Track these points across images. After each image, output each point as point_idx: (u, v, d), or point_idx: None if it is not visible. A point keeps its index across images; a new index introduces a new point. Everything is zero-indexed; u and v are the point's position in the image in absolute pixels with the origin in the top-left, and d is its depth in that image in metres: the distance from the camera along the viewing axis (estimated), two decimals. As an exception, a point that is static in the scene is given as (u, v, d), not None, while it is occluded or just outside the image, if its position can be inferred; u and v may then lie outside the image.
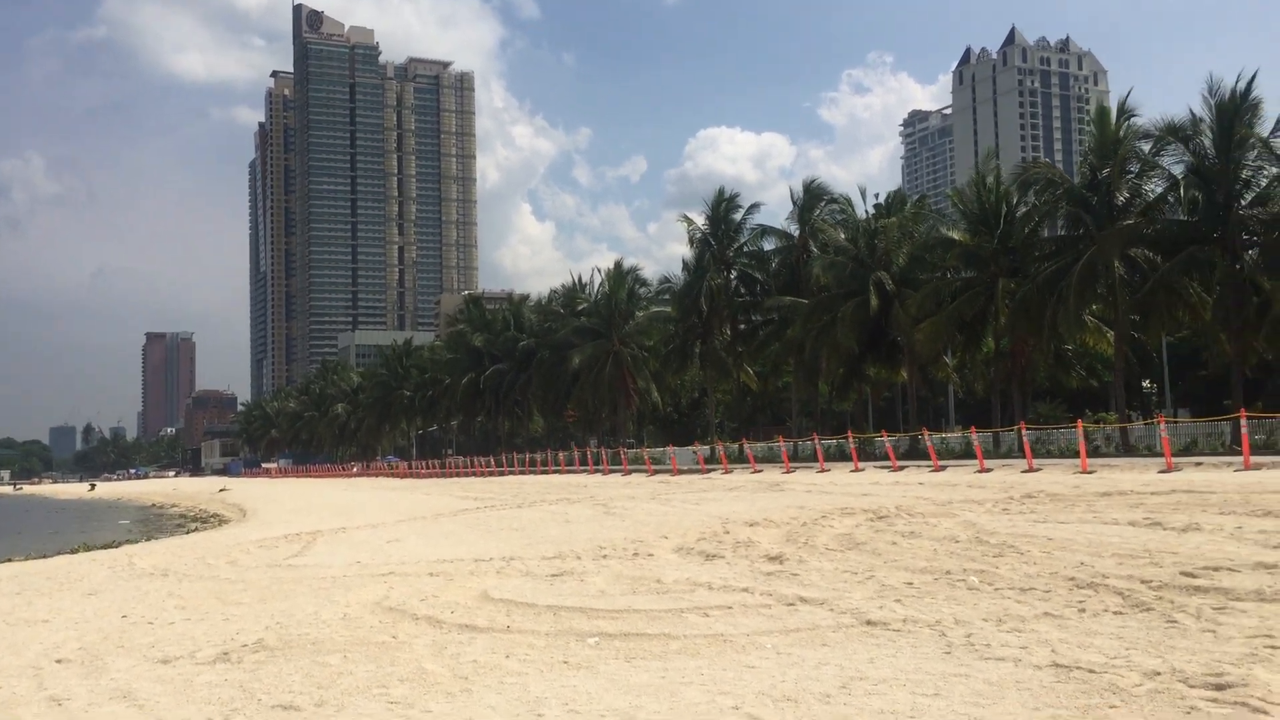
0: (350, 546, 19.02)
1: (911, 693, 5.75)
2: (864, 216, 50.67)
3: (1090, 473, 22.82)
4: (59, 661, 8.80)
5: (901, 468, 31.22)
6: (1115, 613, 7.53)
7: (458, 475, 65.58)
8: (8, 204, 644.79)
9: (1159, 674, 5.67)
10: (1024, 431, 29.25)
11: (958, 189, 45.74)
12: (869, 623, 7.76)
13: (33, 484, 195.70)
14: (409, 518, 26.21)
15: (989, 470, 26.63)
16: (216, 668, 8.05)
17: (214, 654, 8.50)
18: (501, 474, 59.71)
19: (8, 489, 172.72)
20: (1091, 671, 5.83)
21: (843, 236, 49.60)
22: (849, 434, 40.20)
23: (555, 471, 55.22)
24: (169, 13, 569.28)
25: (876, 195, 53.40)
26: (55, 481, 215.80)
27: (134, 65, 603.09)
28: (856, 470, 32.11)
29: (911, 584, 9.32)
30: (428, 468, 79.60)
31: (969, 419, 66.08)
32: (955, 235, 43.33)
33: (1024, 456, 28.51)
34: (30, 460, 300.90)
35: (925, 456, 35.88)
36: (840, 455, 40.76)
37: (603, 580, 11.29)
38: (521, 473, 58.45)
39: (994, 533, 12.32)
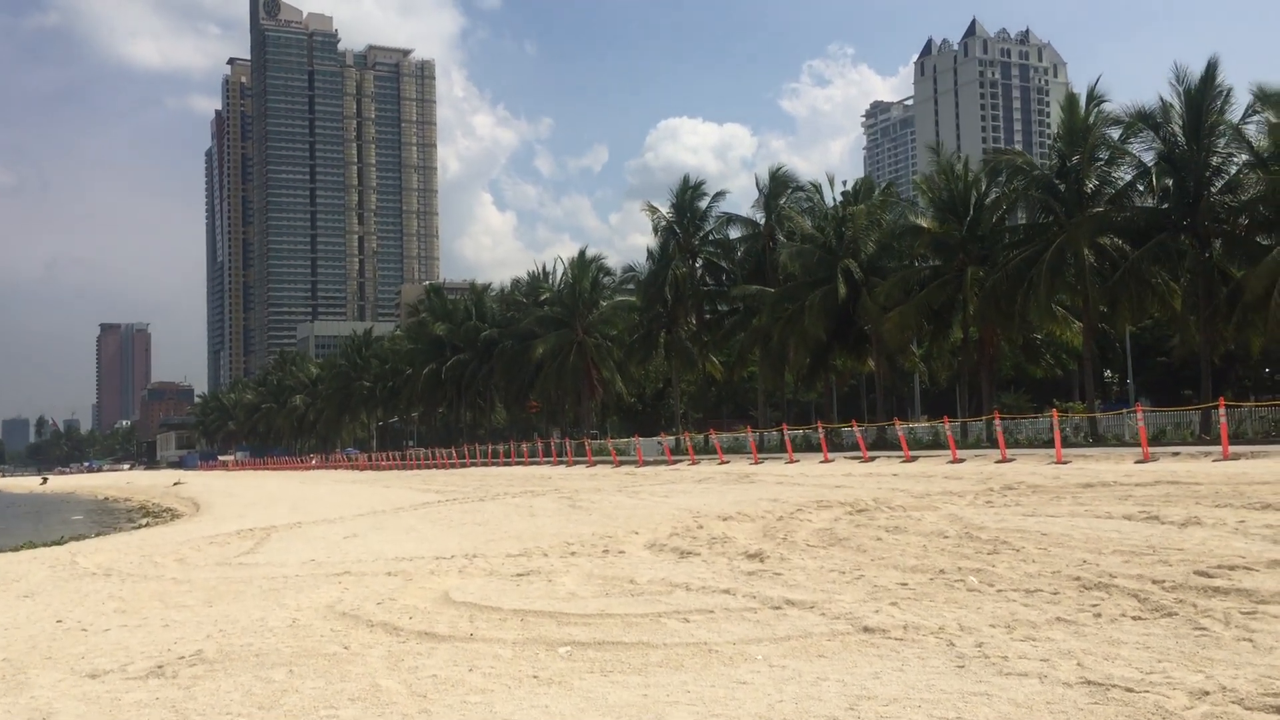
0: (306, 543, 18.21)
1: (929, 715, 5.10)
2: (832, 205, 50.21)
3: (1066, 463, 22.41)
4: (-25, 676, 7.98)
5: (872, 458, 30.76)
6: (1135, 618, 6.93)
7: (419, 467, 64.59)
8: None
9: (1207, 693, 5.05)
10: (998, 421, 28.83)
11: (926, 176, 45.31)
12: (866, 629, 7.11)
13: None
14: (368, 512, 25.37)
15: (962, 461, 26.19)
16: (149, 684, 7.27)
17: (147, 667, 7.72)
18: (464, 466, 58.84)
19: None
20: (1130, 690, 5.20)
21: (810, 224, 49.10)
22: (818, 424, 39.74)
23: (519, 463, 54.45)
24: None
25: (845, 183, 53.07)
26: (6, 475, 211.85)
27: (86, 52, 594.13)
28: (826, 461, 31.64)
29: (906, 584, 8.68)
30: (388, 460, 78.47)
31: (933, 408, 66.07)
32: (923, 223, 42.92)
33: (994, 446, 28.17)
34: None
35: (894, 447, 35.53)
36: (808, 446, 40.30)
37: (572, 580, 10.59)
38: (484, 464, 57.61)
39: (983, 527, 11.75)
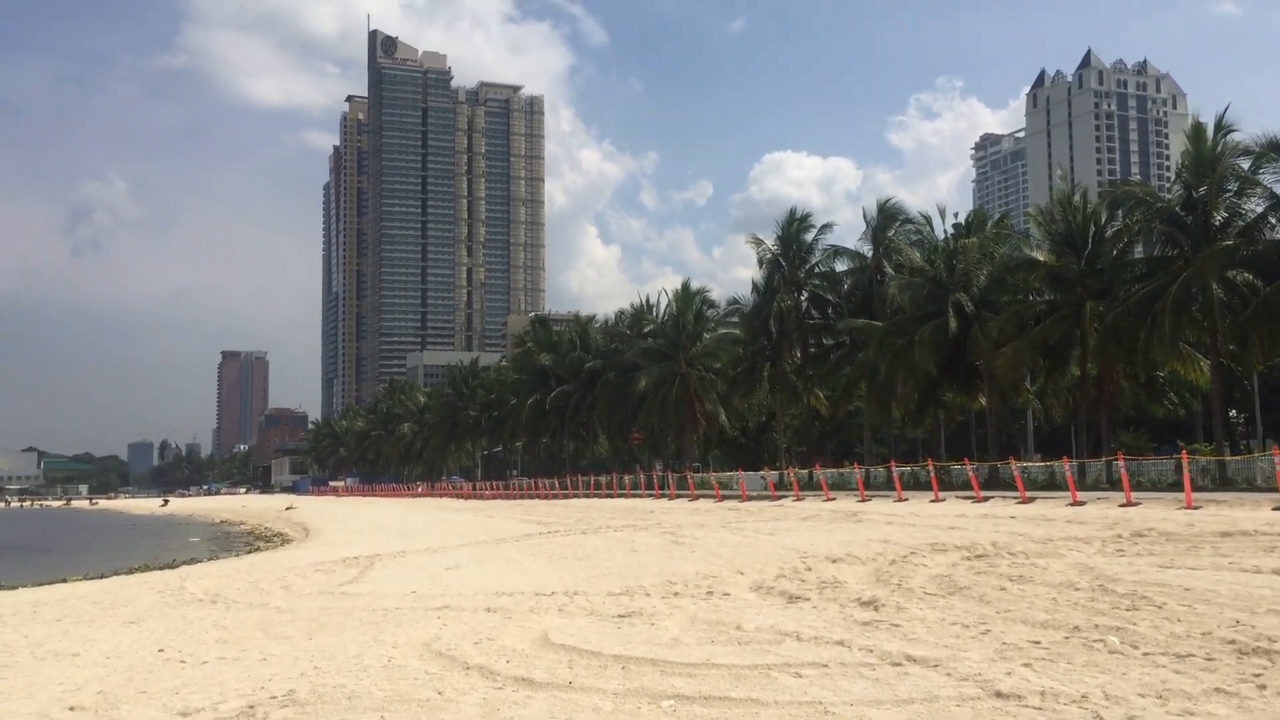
0: (408, 572, 18.11)
1: (1080, 802, 4.53)
2: (942, 237, 49.02)
3: (1197, 508, 21.16)
4: (71, 709, 7.88)
5: (985, 498, 29.65)
6: (1305, 691, 6.22)
7: (522, 497, 64.77)
8: (91, 226, 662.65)
9: None
10: (1121, 462, 27.49)
11: (1041, 208, 43.91)
12: (999, 694, 6.52)
13: (109, 499, 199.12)
14: (470, 542, 25.27)
15: (1083, 504, 24.98)
16: (239, 724, 7.05)
17: (239, 707, 7.51)
18: (566, 496, 58.78)
19: (84, 503, 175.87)
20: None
21: (919, 257, 48.00)
22: (929, 462, 38.57)
23: (620, 495, 54.13)
24: (246, 40, 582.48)
25: (955, 214, 51.77)
26: (131, 496, 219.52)
27: (212, 91, 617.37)
28: (937, 500, 30.58)
29: (1038, 642, 8.03)
30: (492, 489, 78.97)
31: (1046, 446, 63.85)
32: (1039, 256, 41.51)
33: (1115, 488, 26.88)
34: (108, 475, 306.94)
35: (1007, 486, 34.22)
36: (916, 484, 39.16)
37: (676, 624, 10.15)
38: (586, 495, 57.45)
39: (1117, 579, 10.95)
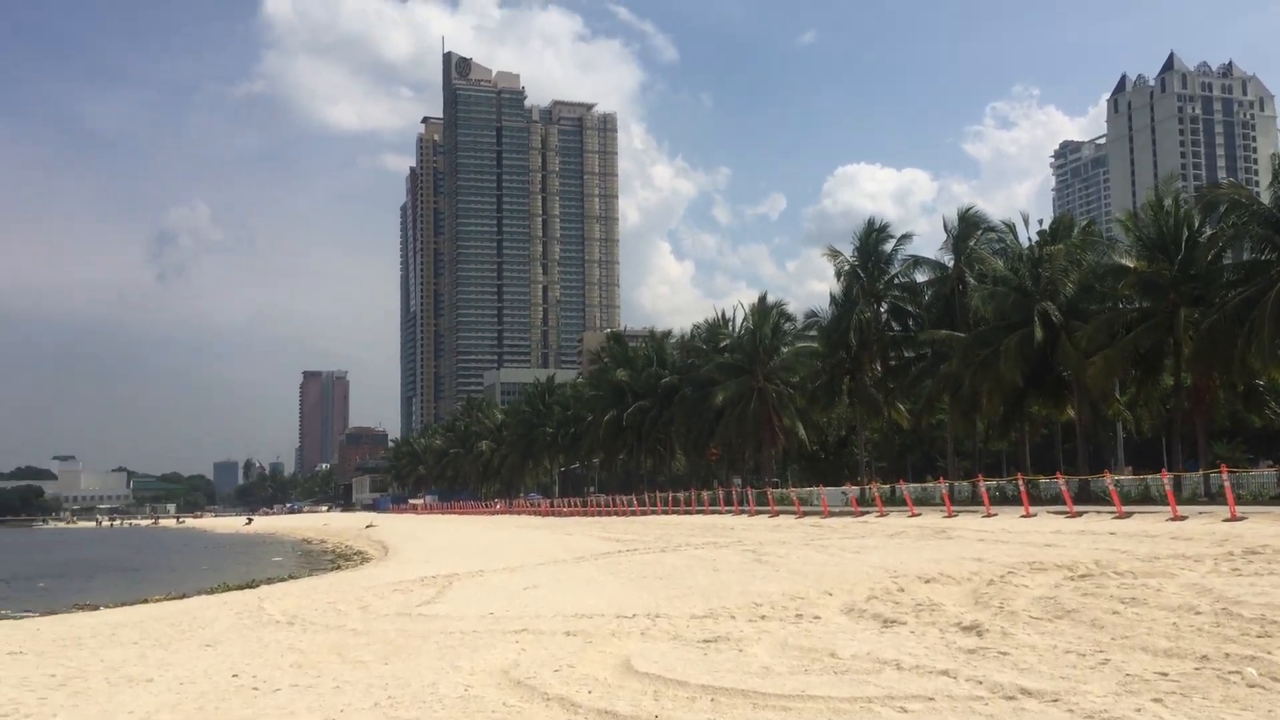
0: (485, 592, 17.81)
1: None
2: (1026, 245, 47.73)
3: (1311, 523, 20.04)
4: (139, 740, 7.62)
5: (1079, 513, 28.55)
6: None
7: (599, 514, 64.49)
8: (177, 250, 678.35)
9: None
10: (1225, 475, 26.27)
11: (1130, 213, 42.55)
12: (1130, 734, 5.91)
13: (195, 517, 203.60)
14: (548, 560, 24.95)
15: (1184, 518, 23.88)
16: (310, 758, 6.70)
17: (310, 739, 7.17)
18: (644, 513, 58.33)
19: (171, 522, 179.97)
20: None
21: (1003, 266, 46.80)
22: (1018, 476, 37.39)
23: (699, 511, 53.54)
24: (322, 67, 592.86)
25: (1040, 222, 50.40)
26: (216, 515, 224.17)
27: (290, 116, 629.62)
28: (1028, 516, 29.56)
29: (1166, 674, 7.37)
30: (569, 506, 78.84)
31: (1136, 458, 61.88)
32: (1128, 262, 40.16)
33: (1213, 501, 25.67)
34: (195, 494, 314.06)
35: (1099, 500, 33.00)
36: (1003, 498, 37.97)
37: (764, 650, 9.63)
38: (664, 512, 56.95)
39: (1240, 601, 10.18)
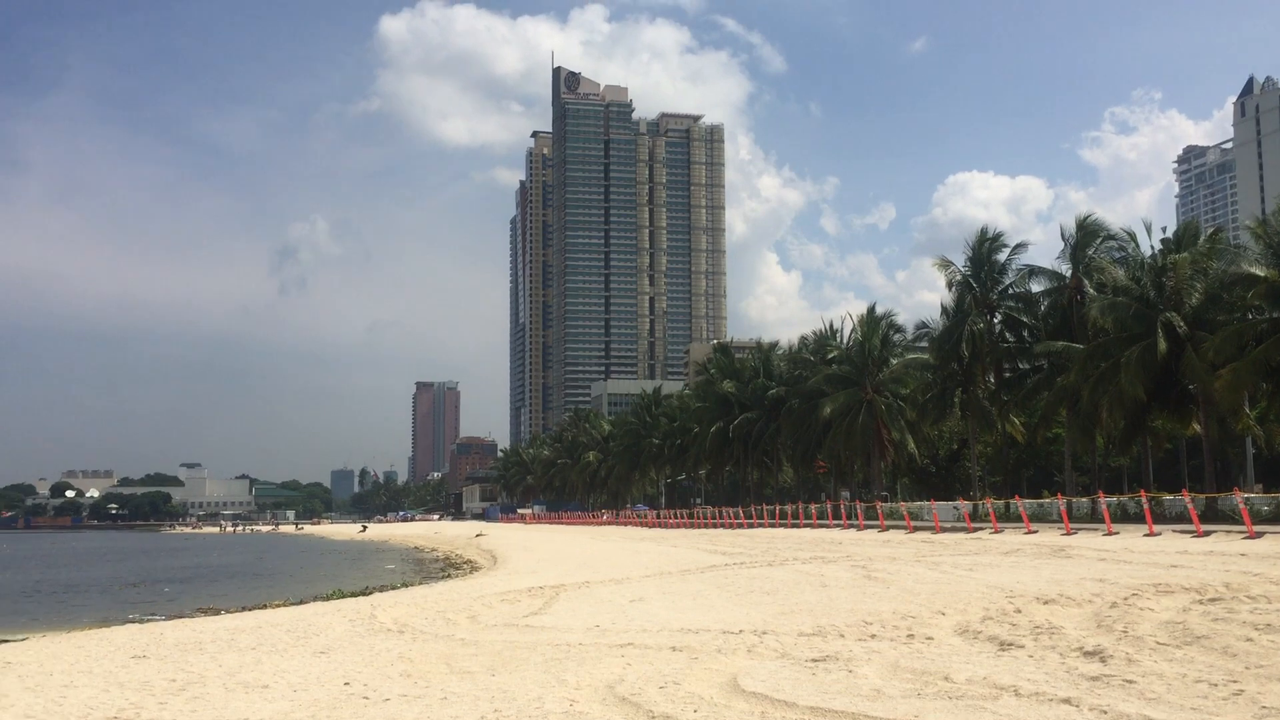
0: (592, 604, 17.81)
1: None
2: (1149, 254, 46.11)
3: None
4: (253, 747, 7.75)
5: (1206, 533, 27.36)
6: None
7: (705, 526, 64.25)
8: (297, 265, 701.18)
9: None
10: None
11: (1260, 220, 40.75)
12: (1270, 774, 5.56)
13: (313, 524, 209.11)
14: (655, 573, 24.86)
15: (1323, 540, 22.70)
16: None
17: (416, 751, 7.19)
18: (750, 526, 57.92)
19: (290, 528, 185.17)
20: None
21: (1124, 275, 45.29)
22: (1141, 493, 36.05)
23: (806, 525, 52.92)
24: (435, 84, 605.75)
25: (1164, 229, 48.64)
26: (333, 522, 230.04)
27: (405, 133, 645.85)
28: (1151, 534, 28.45)
29: (1309, 710, 6.96)
30: (676, 517, 78.75)
31: (1267, 476, 59.23)
32: (1259, 271, 38.47)
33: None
34: (313, 501, 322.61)
35: (1227, 519, 31.60)
36: (1124, 515, 36.62)
37: (875, 672, 9.38)
38: (770, 525, 56.46)
39: (1389, 632, 9.58)
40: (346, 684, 10.57)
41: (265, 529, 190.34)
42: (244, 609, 25.28)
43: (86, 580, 46.86)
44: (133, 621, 22.97)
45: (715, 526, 62.44)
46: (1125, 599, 13.24)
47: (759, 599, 17.01)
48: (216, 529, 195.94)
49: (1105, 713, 7.15)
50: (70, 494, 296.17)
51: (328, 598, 28.00)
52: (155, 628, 19.12)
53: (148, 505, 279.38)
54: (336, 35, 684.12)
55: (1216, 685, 7.82)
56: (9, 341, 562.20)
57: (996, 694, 8.00)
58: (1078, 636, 10.56)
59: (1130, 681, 8.11)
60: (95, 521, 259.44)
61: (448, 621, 16.39)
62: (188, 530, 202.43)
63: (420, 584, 32.28)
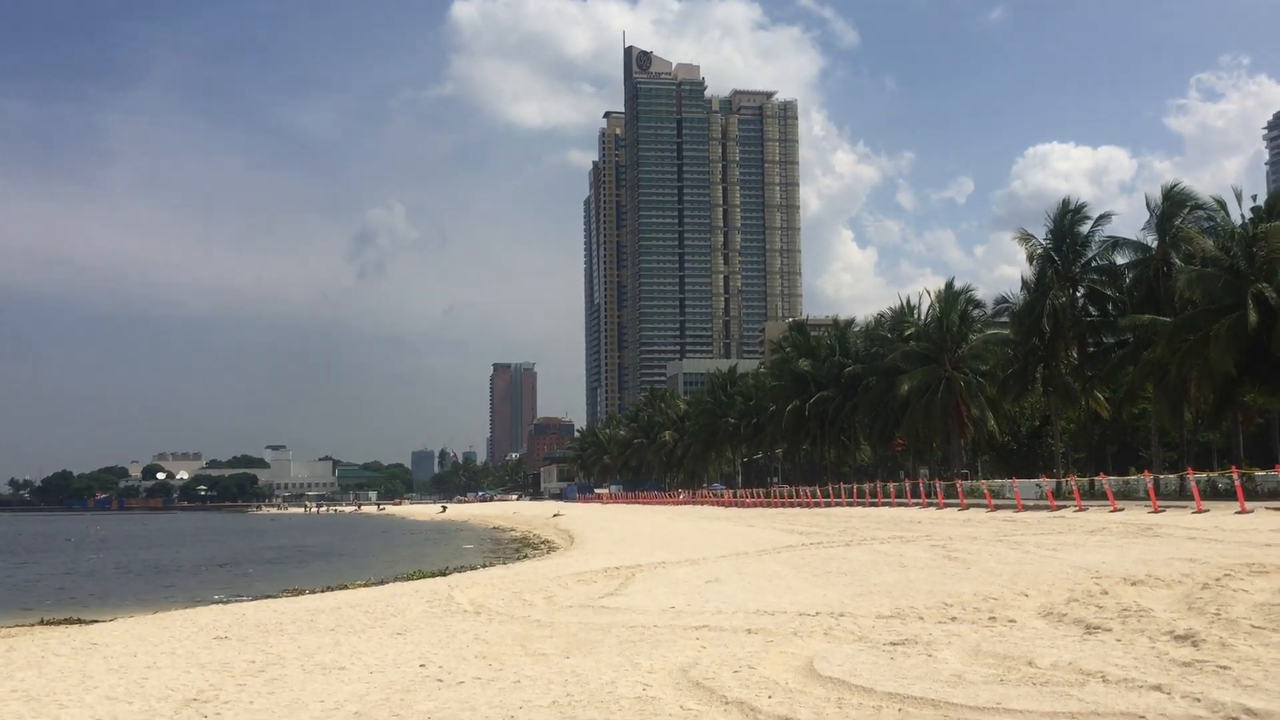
0: (667, 585, 17.75)
1: None
2: (1239, 222, 44.61)
3: None
4: (328, 730, 7.80)
5: (1303, 510, 26.45)
6: None
7: (782, 505, 63.90)
8: (375, 249, 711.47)
9: None
10: None
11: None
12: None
13: (394, 504, 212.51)
14: (730, 553, 24.73)
15: None
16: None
17: (489, 735, 7.17)
18: (827, 505, 57.48)
19: (372, 509, 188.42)
20: None
21: (1213, 246, 43.89)
22: (1233, 469, 34.95)
23: (884, 504, 52.35)
24: (507, 67, 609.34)
25: (1254, 197, 47.06)
26: (414, 502, 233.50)
27: (478, 117, 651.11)
28: (1243, 512, 27.55)
29: None
30: (752, 496, 78.46)
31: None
32: (1358, 238, 37.05)
33: None
34: (394, 482, 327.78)
35: (1324, 497, 30.58)
36: (1214, 492, 35.55)
37: (955, 656, 9.15)
38: (848, 504, 55.98)
39: None
40: (422, 666, 10.62)
41: (348, 509, 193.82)
42: (326, 589, 25.68)
43: (175, 561, 48.06)
44: (218, 603, 23.47)
45: (792, 506, 62.08)
46: (1217, 580, 12.79)
47: (836, 580, 16.79)
48: (301, 510, 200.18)
49: (1199, 700, 6.86)
50: (161, 476, 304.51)
51: (408, 578, 28.31)
52: (238, 609, 19.49)
53: (235, 487, 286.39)
54: (409, 21, 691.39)
55: (1317, 672, 7.47)
56: (101, 329, 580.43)
57: (1083, 680, 7.74)
58: (1167, 619, 10.21)
59: (1225, 668, 7.79)
60: (185, 503, 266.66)
61: (524, 602, 16.44)
62: (274, 511, 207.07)
63: (498, 565, 32.52)
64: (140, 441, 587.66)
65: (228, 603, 23.12)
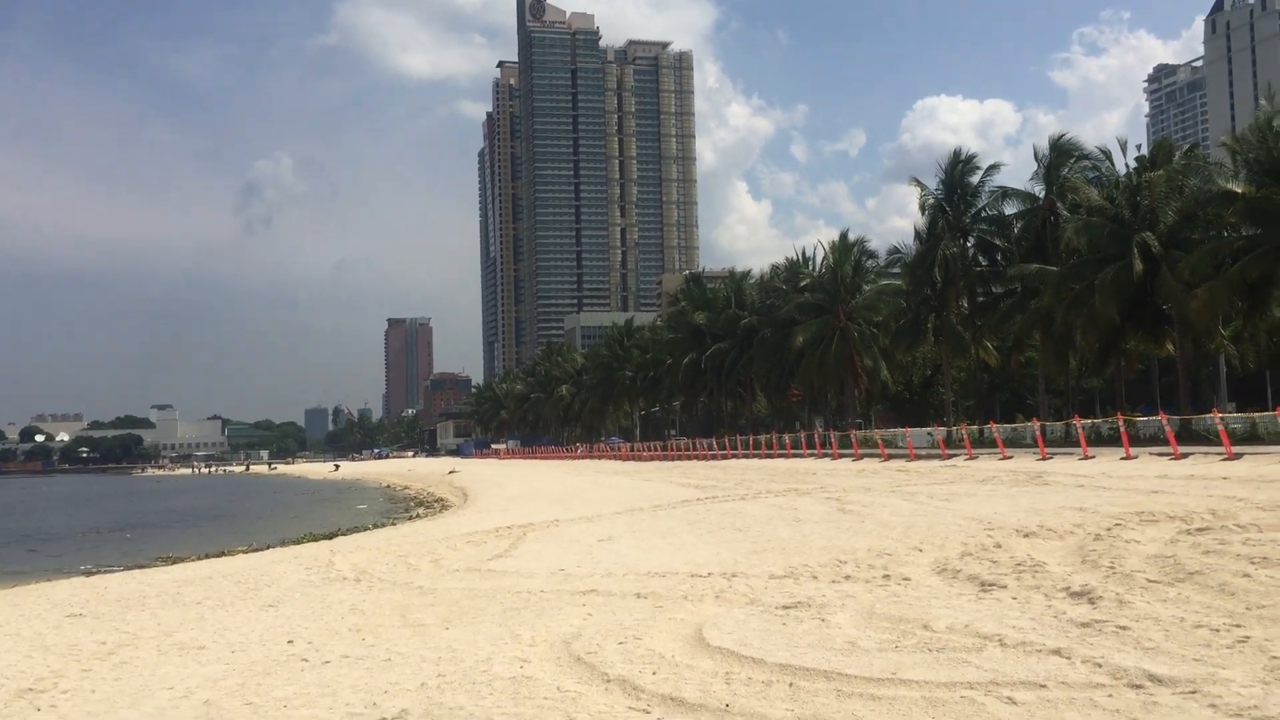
0: (559, 545, 17.24)
1: None
2: (1123, 173, 45.44)
3: None
4: (168, 725, 7.06)
5: (1183, 455, 27.02)
6: None
7: (679, 458, 63.92)
8: (261, 203, 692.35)
9: None
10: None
11: (1236, 136, 40.06)
12: (1293, 742, 4.95)
13: (287, 464, 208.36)
14: (625, 509, 24.32)
15: (1302, 460, 22.33)
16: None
17: (345, 728, 6.52)
18: (725, 457, 57.60)
19: (263, 469, 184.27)
20: None
21: (1098, 195, 44.62)
22: (1118, 415, 35.72)
23: (780, 456, 52.61)
24: (393, 16, 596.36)
25: (1138, 147, 47.96)
26: (307, 461, 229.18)
27: (366, 67, 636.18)
28: (1128, 458, 28.07)
29: (1324, 658, 6.36)
30: (650, 450, 78.47)
31: (1238, 395, 59.27)
32: (1236, 188, 37.88)
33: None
34: (287, 440, 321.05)
35: (1200, 440, 31.35)
36: (1099, 438, 36.33)
37: (849, 619, 8.77)
38: (745, 456, 56.14)
39: (1391, 563, 9.03)
40: (290, 642, 9.92)
41: (238, 469, 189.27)
42: (205, 556, 24.59)
43: (46, 529, 45.87)
44: (84, 574, 22.20)
45: (689, 458, 62.11)
46: (1109, 529, 12.70)
47: (730, 536, 16.45)
48: (189, 471, 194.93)
49: (1100, 665, 6.54)
50: (40, 438, 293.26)
51: (298, 541, 27.33)
52: (101, 581, 18.37)
53: (119, 448, 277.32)
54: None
55: (1218, 631, 7.22)
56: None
57: (980, 645, 7.39)
58: (1062, 574, 9.98)
59: (1124, 628, 7.50)
60: (66, 466, 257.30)
61: (409, 567, 15.78)
62: (160, 473, 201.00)
63: (387, 526, 31.64)
64: (16, 402, 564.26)
65: (93, 574, 21.87)
